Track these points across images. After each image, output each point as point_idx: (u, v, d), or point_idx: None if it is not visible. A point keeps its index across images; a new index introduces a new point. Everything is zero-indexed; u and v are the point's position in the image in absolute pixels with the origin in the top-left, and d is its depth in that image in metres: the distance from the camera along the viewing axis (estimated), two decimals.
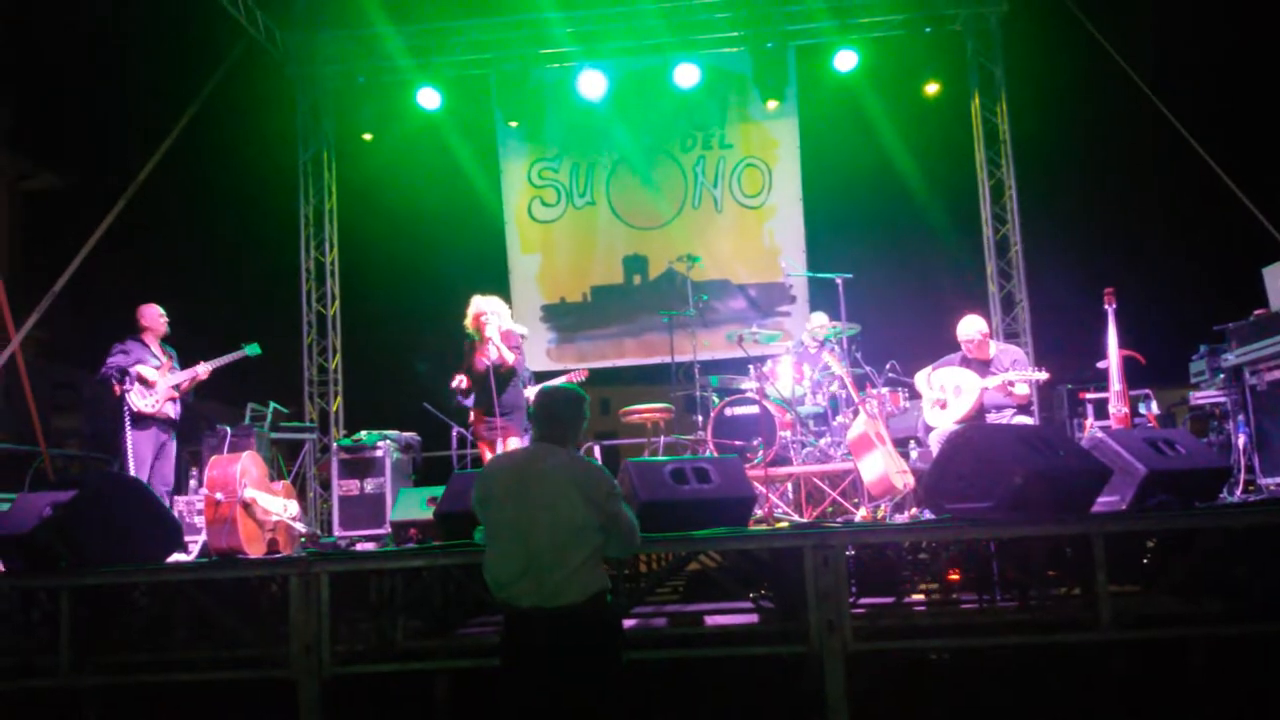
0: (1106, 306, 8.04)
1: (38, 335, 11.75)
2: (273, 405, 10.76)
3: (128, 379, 8.20)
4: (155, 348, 8.59)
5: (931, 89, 12.80)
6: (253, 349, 8.71)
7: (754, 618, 6.12)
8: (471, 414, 8.62)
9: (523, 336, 8.73)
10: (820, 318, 9.98)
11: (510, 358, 8.12)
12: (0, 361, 9.62)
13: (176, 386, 8.49)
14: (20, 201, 17.81)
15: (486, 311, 8.15)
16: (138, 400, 8.23)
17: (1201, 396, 9.38)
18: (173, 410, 8.51)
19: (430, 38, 13.00)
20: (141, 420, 8.28)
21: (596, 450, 10.96)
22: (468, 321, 8.24)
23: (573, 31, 12.93)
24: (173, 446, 8.62)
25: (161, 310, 8.71)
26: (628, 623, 6.00)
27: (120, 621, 6.36)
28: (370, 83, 13.31)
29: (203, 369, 8.57)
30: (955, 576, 6.43)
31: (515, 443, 8.00)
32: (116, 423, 8.25)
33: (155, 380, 8.33)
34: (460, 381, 8.23)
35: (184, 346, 8.85)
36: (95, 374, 8.44)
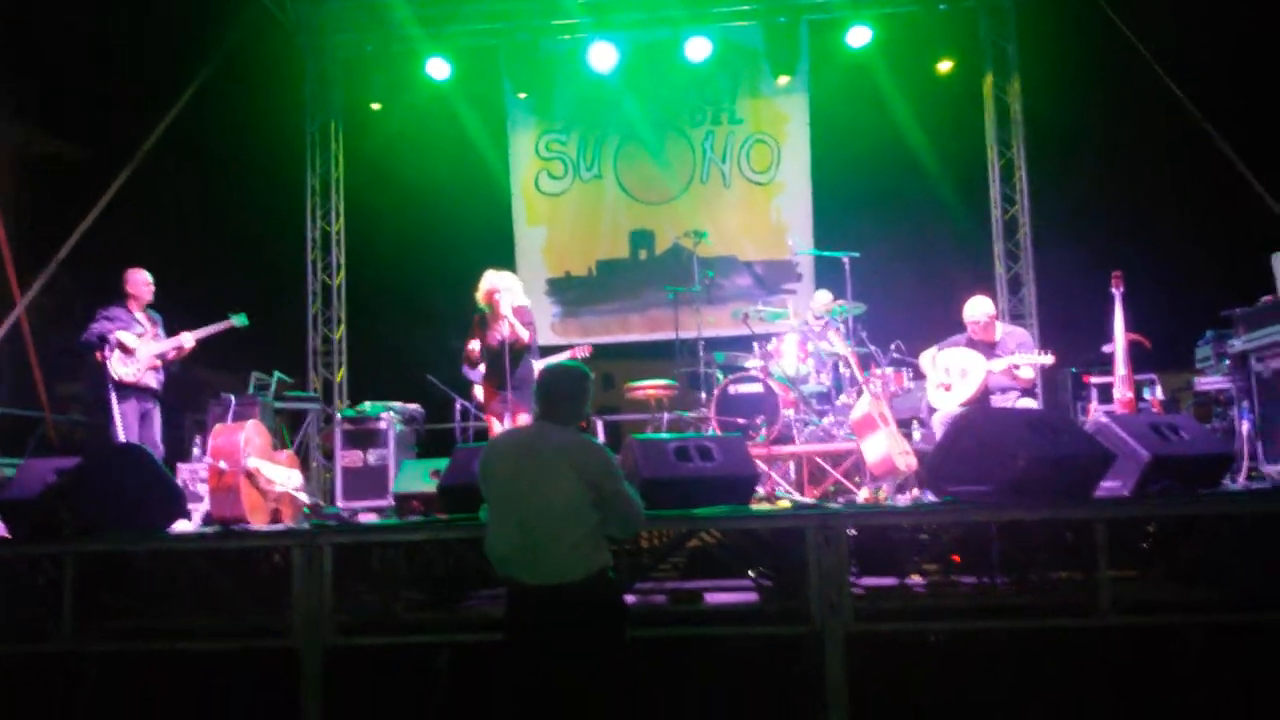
0: (1114, 290, 8.01)
1: (42, 302, 11.75)
2: (277, 375, 10.78)
3: (107, 345, 8.09)
4: (140, 314, 8.47)
5: (944, 67, 12.72)
6: (240, 319, 8.59)
7: (754, 596, 6.14)
8: (480, 388, 8.61)
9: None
10: (824, 296, 9.96)
11: (525, 334, 8.08)
12: (5, 327, 9.62)
13: (160, 356, 8.40)
14: (25, 168, 17.78)
15: (500, 289, 8.06)
16: (118, 368, 8.12)
17: (1206, 382, 9.35)
18: (154, 380, 8.39)
19: (440, 7, 12.95)
20: (123, 389, 8.17)
21: (599, 425, 10.96)
22: (480, 296, 8.17)
23: (584, 2, 12.86)
24: (157, 414, 8.48)
25: (149, 277, 8.55)
26: (628, 599, 6.01)
27: (123, 589, 6.39)
28: (379, 52, 13.25)
29: (188, 339, 8.45)
30: (956, 559, 6.43)
31: (525, 418, 7.99)
32: (101, 391, 8.18)
33: (136, 348, 8.25)
34: (475, 347, 8.21)
35: (187, 314, 8.77)
36: (77, 339, 8.33)
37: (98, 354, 8.05)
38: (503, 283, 8.14)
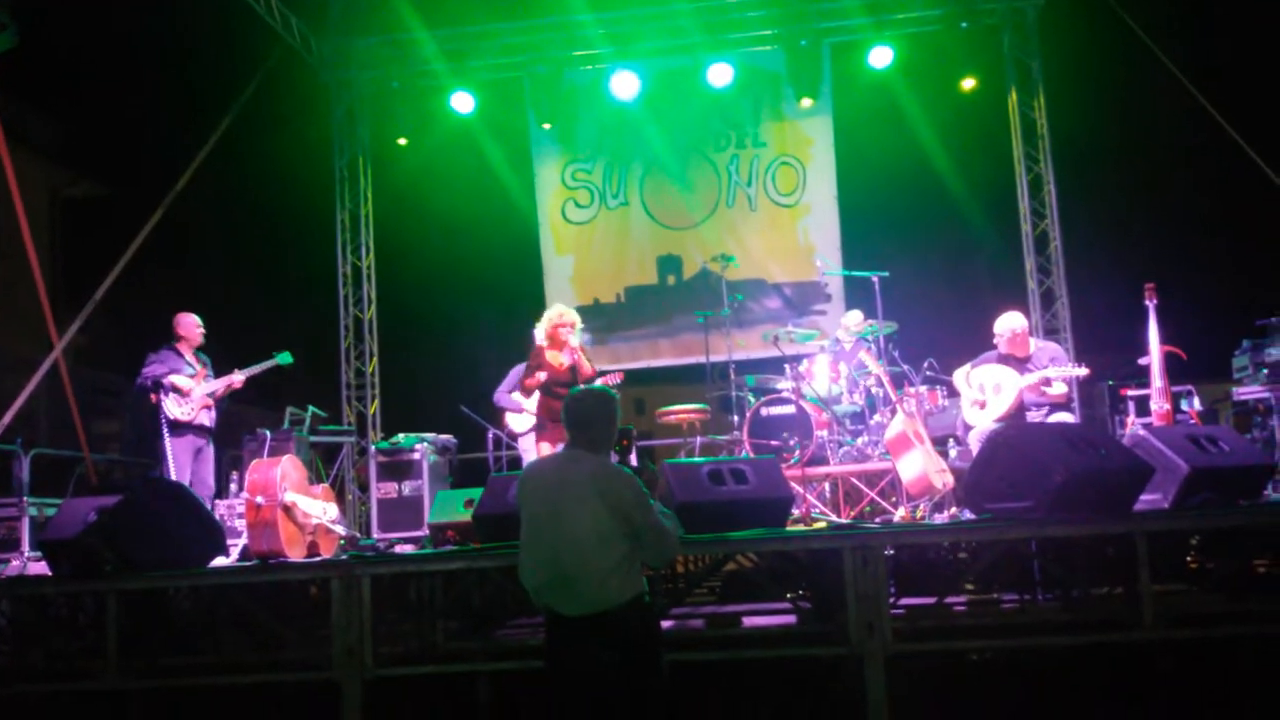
0: (1147, 302, 7.93)
1: (78, 342, 11.90)
2: (311, 409, 10.85)
3: (163, 389, 8.30)
4: (190, 356, 8.68)
5: (968, 84, 12.67)
6: (284, 358, 8.78)
7: (792, 619, 6.10)
8: (516, 417, 8.74)
9: None
10: (855, 315, 9.93)
11: (589, 368, 8.19)
12: (44, 368, 9.74)
13: (211, 394, 8.59)
14: (61, 209, 18.06)
15: (568, 324, 8.16)
16: (173, 408, 8.35)
17: (1244, 392, 9.25)
18: (208, 418, 8.63)
19: (464, 41, 13.05)
20: (178, 428, 8.38)
21: (633, 453, 10.94)
22: (545, 328, 8.25)
23: (605, 32, 12.91)
24: (210, 452, 8.72)
25: (198, 320, 8.80)
26: (665, 624, 6.00)
27: (164, 624, 6.44)
28: (405, 87, 13.37)
29: (238, 377, 8.69)
30: (996, 577, 6.38)
31: None
32: (154, 431, 8.34)
33: (190, 389, 8.43)
34: (534, 379, 8.24)
35: (223, 351, 8.92)
36: (132, 383, 8.52)
37: (152, 397, 8.22)
38: (571, 318, 8.24)
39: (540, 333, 8.33)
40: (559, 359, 8.13)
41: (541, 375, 8.15)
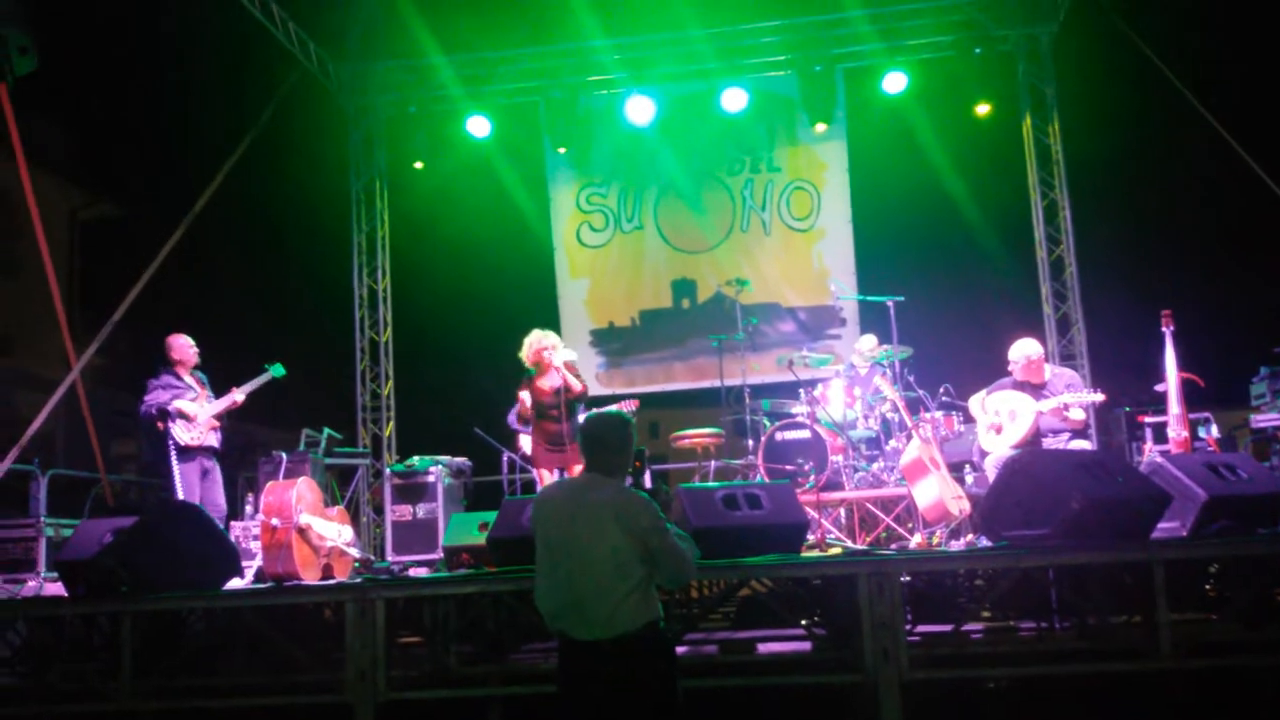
0: (1164, 328, 7.91)
1: (96, 363, 11.94)
2: (327, 431, 10.87)
3: (169, 416, 8.23)
4: (188, 378, 8.52)
5: (982, 110, 12.65)
6: (276, 370, 8.69)
7: (807, 645, 6.07)
8: (528, 440, 8.72)
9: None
10: (869, 340, 9.91)
11: (577, 385, 8.29)
12: (62, 389, 9.78)
13: (216, 415, 8.53)
14: (79, 231, 18.17)
15: (549, 346, 8.28)
16: (182, 434, 8.21)
17: (1263, 419, 9.21)
18: (215, 439, 8.49)
19: (480, 67, 13.16)
20: (186, 452, 8.27)
21: (646, 474, 10.94)
22: (527, 355, 8.33)
23: (620, 58, 13.03)
24: (218, 472, 8.59)
25: (191, 341, 8.63)
26: (679, 650, 5.97)
27: (179, 646, 6.44)
28: (421, 112, 13.45)
29: (239, 395, 8.55)
30: (1012, 604, 6.34)
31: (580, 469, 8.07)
32: (162, 456, 8.29)
33: (196, 414, 8.35)
34: (522, 405, 8.31)
35: (238, 373, 8.86)
36: (137, 411, 8.44)
37: (160, 425, 8.16)
38: (550, 340, 8.35)
39: (525, 361, 8.39)
40: (547, 383, 8.27)
41: (525, 395, 8.25)
